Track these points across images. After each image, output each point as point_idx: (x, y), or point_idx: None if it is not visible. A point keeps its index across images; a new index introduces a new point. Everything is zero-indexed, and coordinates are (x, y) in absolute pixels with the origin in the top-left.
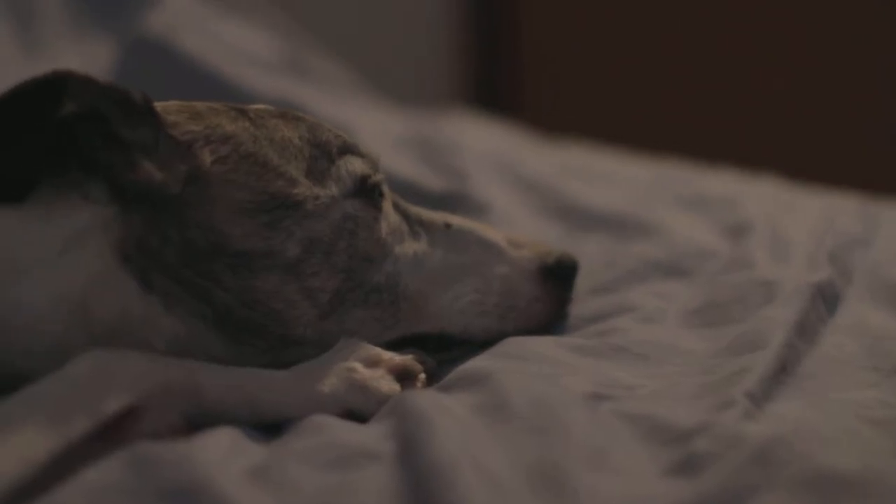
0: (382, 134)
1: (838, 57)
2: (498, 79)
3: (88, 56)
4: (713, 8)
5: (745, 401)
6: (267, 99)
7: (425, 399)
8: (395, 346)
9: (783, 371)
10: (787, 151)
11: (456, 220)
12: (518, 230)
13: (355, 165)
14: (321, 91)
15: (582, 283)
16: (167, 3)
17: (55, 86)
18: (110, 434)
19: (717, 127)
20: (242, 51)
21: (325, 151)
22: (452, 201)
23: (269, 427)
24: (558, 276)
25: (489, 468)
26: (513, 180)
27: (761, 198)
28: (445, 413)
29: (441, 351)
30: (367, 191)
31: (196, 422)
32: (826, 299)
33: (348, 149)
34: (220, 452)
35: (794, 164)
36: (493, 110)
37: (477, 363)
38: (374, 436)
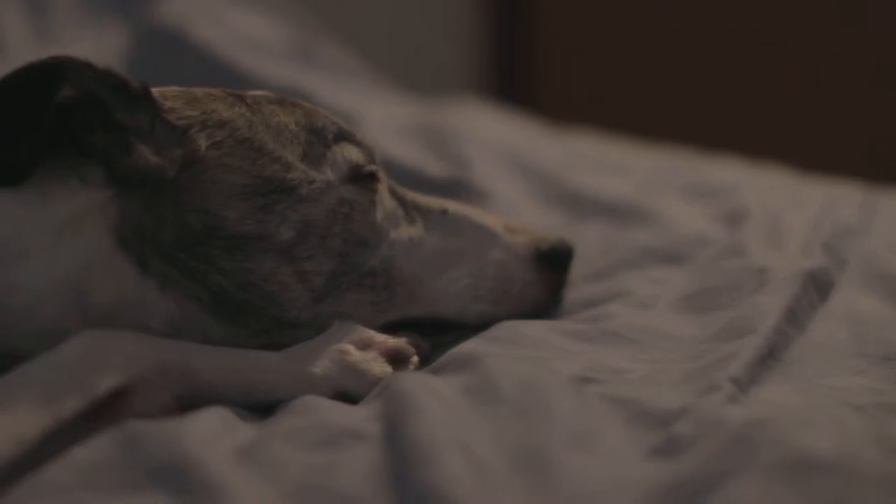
0: (389, 121)
1: (845, 49)
2: (516, 68)
3: (101, 44)
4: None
5: (729, 385)
6: (276, 86)
7: (413, 381)
8: (391, 328)
9: (771, 356)
10: (798, 140)
11: (453, 206)
12: (519, 217)
13: (351, 153)
14: (330, 79)
15: (578, 268)
16: None
17: (53, 70)
18: (103, 413)
19: (736, 117)
20: (253, 39)
21: (321, 137)
22: (454, 188)
23: (261, 407)
24: (553, 261)
25: (472, 449)
26: (516, 168)
27: (763, 186)
28: (432, 395)
29: (436, 334)
30: (362, 177)
31: (189, 402)
32: (818, 286)
33: (344, 136)
34: (209, 431)
35: (804, 152)
36: (511, 100)
37: (468, 346)
38: (361, 416)
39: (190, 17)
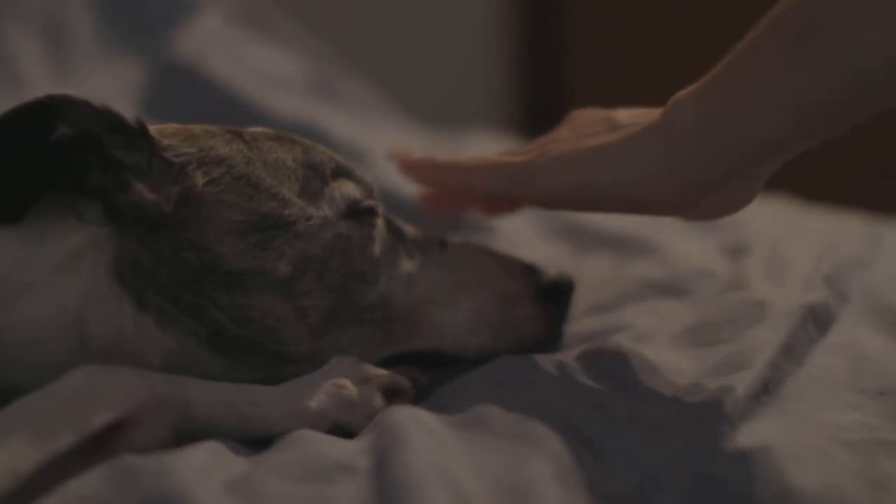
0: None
1: None
2: (547, 105)
3: (118, 78)
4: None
5: None
6: (290, 121)
7: (404, 414)
8: (390, 362)
9: (765, 392)
10: (805, 172)
11: (452, 240)
12: (523, 250)
13: (349, 188)
14: (345, 113)
15: (580, 302)
16: (196, 26)
17: (50, 109)
18: (100, 447)
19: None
20: (269, 74)
21: (319, 173)
22: (459, 221)
23: (258, 441)
24: (553, 295)
25: (458, 482)
26: None
27: (768, 219)
28: (422, 427)
29: (435, 367)
30: (360, 212)
31: (186, 436)
32: (818, 320)
33: (342, 172)
34: (201, 465)
35: (814, 185)
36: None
37: (463, 380)
38: (353, 450)
39: (206, 52)
